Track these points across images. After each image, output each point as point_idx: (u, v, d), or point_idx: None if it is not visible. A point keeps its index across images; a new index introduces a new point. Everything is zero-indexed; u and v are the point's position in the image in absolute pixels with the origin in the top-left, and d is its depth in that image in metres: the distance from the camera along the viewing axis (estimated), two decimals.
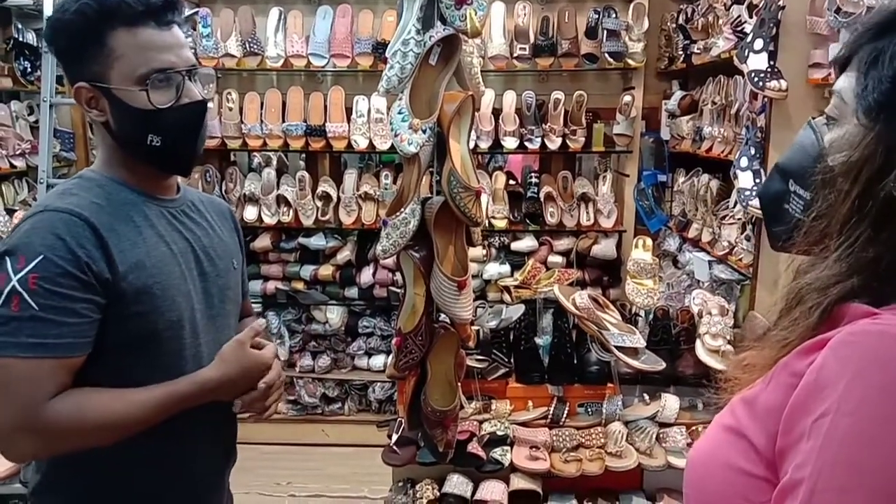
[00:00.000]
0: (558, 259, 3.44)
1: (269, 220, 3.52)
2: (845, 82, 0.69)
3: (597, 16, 3.31)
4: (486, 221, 3.38)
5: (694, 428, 2.27)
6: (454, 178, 1.60)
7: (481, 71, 3.25)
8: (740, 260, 2.55)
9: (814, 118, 0.77)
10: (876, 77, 0.64)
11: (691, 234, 3.03)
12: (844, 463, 0.55)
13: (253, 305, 3.58)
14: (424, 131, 1.58)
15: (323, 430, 3.73)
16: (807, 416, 0.59)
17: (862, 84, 0.66)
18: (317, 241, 3.56)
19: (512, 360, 2.49)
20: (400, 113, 1.58)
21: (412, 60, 1.58)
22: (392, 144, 2.73)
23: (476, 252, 3.42)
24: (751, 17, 2.46)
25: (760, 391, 0.68)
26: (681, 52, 3.23)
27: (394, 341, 1.83)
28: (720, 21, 2.78)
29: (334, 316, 3.63)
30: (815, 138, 0.73)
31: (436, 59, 1.64)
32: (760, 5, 2.34)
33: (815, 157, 0.70)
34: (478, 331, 2.37)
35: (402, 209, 1.68)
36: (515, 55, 3.30)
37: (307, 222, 3.50)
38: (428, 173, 1.83)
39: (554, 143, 3.35)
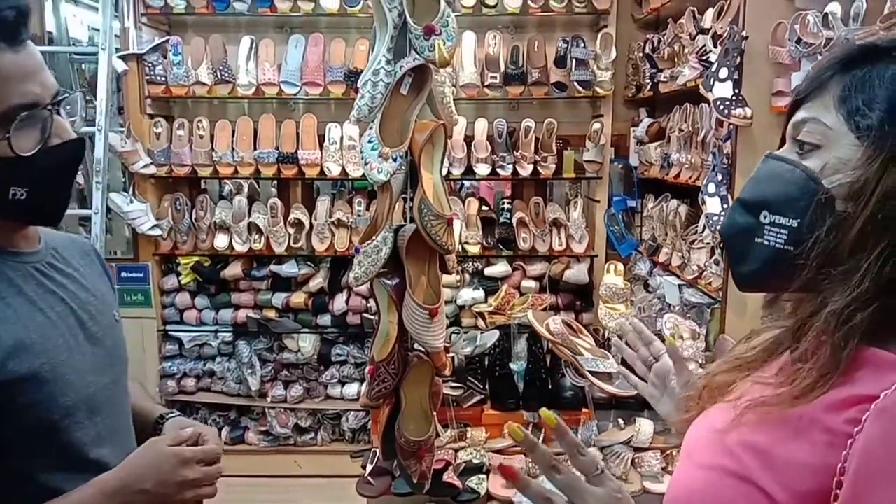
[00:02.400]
0: (531, 284, 3.45)
1: (240, 247, 3.48)
2: (817, 111, 0.72)
3: (566, 45, 3.37)
4: (460, 247, 3.39)
5: (669, 452, 2.28)
6: (425, 206, 1.60)
7: (453, 99, 3.32)
8: (710, 283, 2.59)
9: (770, 153, 0.78)
10: (867, 100, 0.68)
11: (661, 258, 3.07)
12: None
13: (223, 334, 3.56)
14: (395, 159, 1.59)
15: (296, 462, 3.66)
16: (871, 496, 0.58)
17: (850, 108, 0.69)
18: (289, 269, 3.53)
19: (487, 387, 2.48)
20: (370, 142, 1.59)
21: (382, 90, 1.59)
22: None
23: (450, 278, 3.41)
24: (715, 46, 2.52)
25: (774, 441, 0.67)
26: (648, 81, 3.29)
27: (367, 370, 1.81)
28: (686, 50, 2.85)
29: (307, 344, 3.59)
30: (791, 167, 0.73)
31: (407, 88, 1.65)
32: (724, 35, 2.40)
33: (801, 184, 0.71)
34: (453, 358, 2.36)
35: (375, 237, 1.67)
36: (486, 83, 3.33)
37: (279, 250, 3.47)
38: (402, 201, 1.83)
39: (525, 170, 3.39)
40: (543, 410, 0.75)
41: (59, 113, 0.96)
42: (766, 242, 0.73)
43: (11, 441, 0.93)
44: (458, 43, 1.58)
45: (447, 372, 1.93)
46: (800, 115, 0.75)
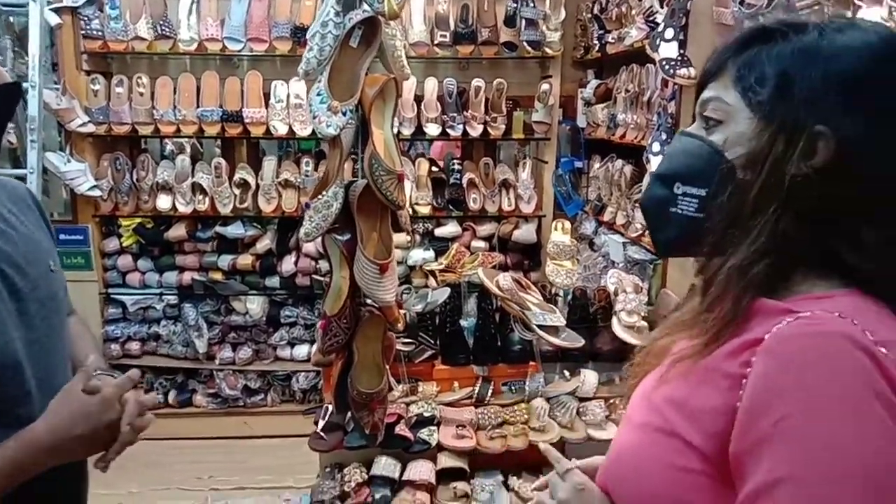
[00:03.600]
0: (481, 244, 3.50)
1: (183, 208, 3.41)
2: (719, 90, 0.79)
3: (515, 5, 3.36)
4: (410, 208, 3.40)
5: (612, 401, 2.37)
6: (376, 161, 1.60)
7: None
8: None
9: (682, 130, 0.85)
10: (759, 77, 0.75)
11: (606, 217, 3.14)
12: (821, 457, 0.60)
13: (168, 297, 3.49)
14: (345, 113, 1.58)
15: (246, 423, 3.66)
16: (761, 419, 0.64)
17: (745, 85, 0.76)
18: (235, 230, 3.48)
19: (438, 343, 2.52)
20: (319, 95, 1.57)
21: (331, 42, 1.57)
22: (313, 130, 2.72)
23: (400, 238, 3.42)
24: (662, 7, 2.56)
25: (688, 392, 0.73)
26: (596, 42, 3.33)
27: (319, 324, 1.82)
28: (633, 11, 2.89)
29: (255, 306, 3.56)
30: (699, 142, 0.79)
31: (357, 41, 1.63)
32: None
33: (708, 157, 0.77)
34: (404, 314, 2.39)
35: (325, 192, 1.67)
36: (436, 42, 3.31)
37: (224, 211, 3.41)
38: (354, 159, 1.82)
39: (475, 130, 3.40)
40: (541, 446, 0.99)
41: None
42: (680, 211, 0.80)
43: None
44: None
45: (400, 327, 1.95)
46: (705, 94, 0.81)
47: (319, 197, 1.69)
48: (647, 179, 2.70)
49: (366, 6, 1.59)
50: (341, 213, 1.72)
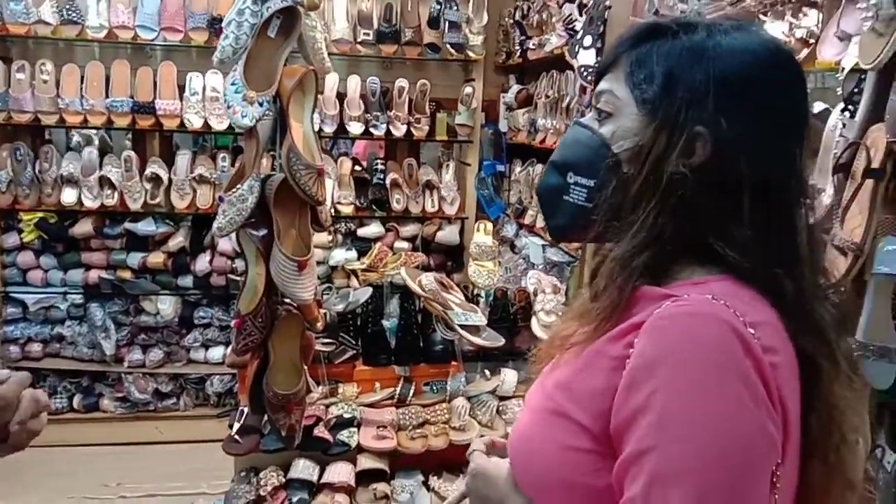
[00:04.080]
0: (404, 245, 3.48)
1: (90, 203, 3.24)
2: (612, 83, 0.81)
3: (439, 6, 3.37)
4: (332, 208, 3.35)
5: None
6: (294, 155, 1.57)
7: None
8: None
9: (576, 120, 0.88)
10: (648, 74, 0.77)
11: (527, 220, 3.19)
12: (682, 430, 0.63)
13: (73, 296, 3.32)
14: (261, 104, 1.53)
15: (157, 428, 3.51)
16: (636, 393, 0.66)
17: (635, 81, 0.78)
18: (145, 227, 3.34)
19: (359, 344, 2.49)
20: (233, 84, 1.52)
21: (248, 31, 1.53)
22: (230, 125, 2.63)
23: (322, 238, 3.37)
24: (581, 15, 2.63)
25: (575, 375, 0.76)
26: (518, 48, 3.38)
27: (233, 323, 1.76)
28: (553, 19, 2.95)
29: (166, 307, 3.43)
30: (590, 134, 0.81)
31: (275, 31, 1.59)
32: (589, 4, 2.51)
33: (596, 149, 0.80)
34: (325, 314, 2.35)
35: (240, 185, 1.61)
36: (359, 40, 3.28)
37: (134, 206, 3.27)
38: (272, 154, 1.78)
39: (399, 131, 3.38)
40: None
41: None
42: (571, 199, 0.82)
43: None
44: None
45: (319, 326, 1.91)
46: (600, 86, 0.83)
47: (234, 190, 1.63)
48: None
49: None
50: (257, 208, 1.67)
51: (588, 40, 2.45)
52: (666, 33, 0.78)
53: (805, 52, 1.54)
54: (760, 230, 0.73)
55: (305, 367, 1.90)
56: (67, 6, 3.07)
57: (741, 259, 0.73)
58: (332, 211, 3.35)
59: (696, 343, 0.66)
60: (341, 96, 3.35)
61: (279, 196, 1.68)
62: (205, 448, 3.19)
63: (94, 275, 3.36)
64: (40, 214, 3.28)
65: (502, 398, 2.40)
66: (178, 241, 3.40)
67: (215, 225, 1.68)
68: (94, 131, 3.44)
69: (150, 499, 3.09)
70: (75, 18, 3.08)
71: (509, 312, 2.62)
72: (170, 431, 3.51)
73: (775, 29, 1.62)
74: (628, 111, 0.78)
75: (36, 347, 3.38)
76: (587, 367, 0.75)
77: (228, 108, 1.55)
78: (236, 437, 2.24)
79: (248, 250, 1.75)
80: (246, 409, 2.11)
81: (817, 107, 1.59)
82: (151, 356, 3.47)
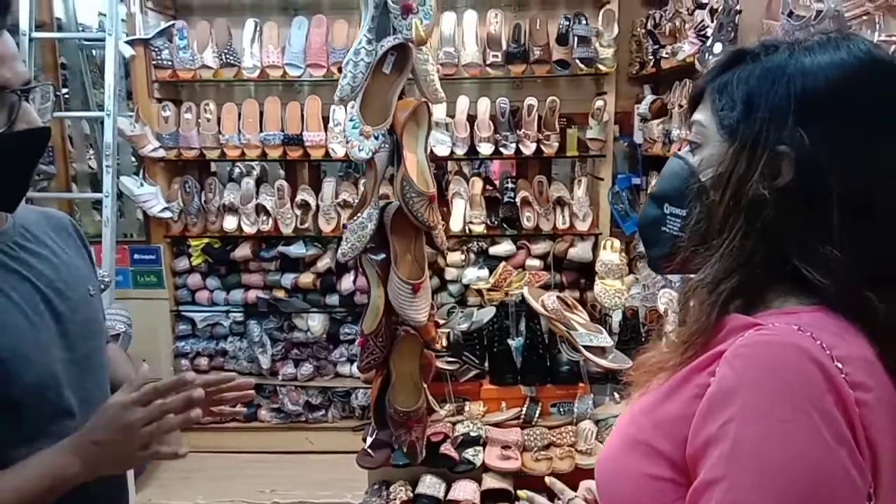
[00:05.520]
0: (536, 262, 3.47)
1: (248, 229, 3.54)
2: (701, 114, 0.82)
3: (567, 23, 3.35)
4: (465, 227, 3.42)
5: None
6: (407, 183, 1.64)
7: (455, 79, 3.33)
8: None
9: (674, 152, 0.87)
10: (729, 100, 0.77)
11: None
12: (753, 462, 0.62)
13: (235, 314, 3.62)
14: (377, 137, 1.62)
15: (307, 439, 3.74)
16: (712, 422, 0.66)
17: (718, 108, 0.78)
18: (296, 250, 3.59)
19: (486, 363, 2.52)
20: (351, 120, 1.63)
21: (363, 69, 1.62)
22: None
23: (455, 257, 3.45)
24: (712, 21, 2.51)
25: (659, 402, 0.76)
26: (651, 57, 3.27)
27: (357, 341, 1.86)
28: (686, 26, 2.83)
29: (315, 323, 3.65)
30: (683, 164, 0.82)
31: (390, 67, 1.68)
32: (720, 10, 2.39)
33: (687, 179, 0.81)
34: (448, 333, 2.41)
35: (360, 213, 1.71)
36: (488, 62, 3.34)
37: (286, 231, 3.53)
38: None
39: (528, 149, 3.39)
40: (521, 492, 1.02)
41: (27, 101, 0.96)
42: (667, 230, 0.83)
43: None
44: (435, 22, 1.59)
45: (438, 346, 1.97)
46: (693, 116, 0.83)
47: (355, 218, 1.73)
48: None
49: (396, 33, 1.63)
50: (377, 234, 1.76)
51: (718, 47, 2.33)
52: (746, 59, 0.78)
53: None
54: (851, 250, 0.70)
55: (425, 386, 1.96)
56: (225, 50, 3.40)
57: (828, 282, 0.70)
58: (466, 229, 3.42)
59: (773, 373, 0.64)
60: (471, 119, 3.42)
61: (395, 222, 1.76)
62: (350, 459, 3.35)
63: (252, 294, 3.64)
64: (206, 240, 3.62)
65: None
66: (326, 262, 3.60)
67: (340, 251, 1.79)
68: (255, 163, 3.75)
69: None
70: (232, 61, 3.40)
71: (640, 333, 2.54)
72: (319, 441, 3.72)
73: None
74: (714, 139, 0.79)
75: (203, 361, 3.73)
76: (671, 394, 0.75)
77: (347, 142, 1.65)
78: (369, 450, 2.35)
79: (370, 274, 1.85)
80: (373, 422, 2.21)
81: None
82: (303, 370, 3.70)
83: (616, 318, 2.73)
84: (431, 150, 3.25)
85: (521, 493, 1.00)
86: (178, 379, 1.03)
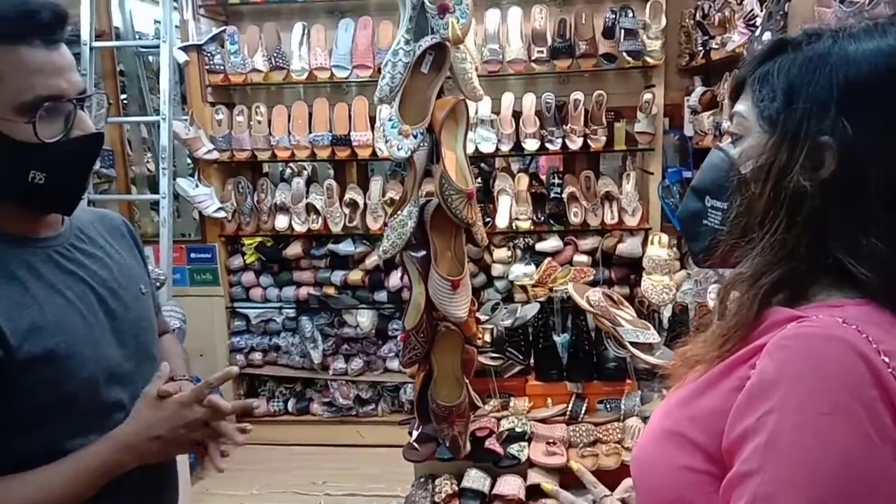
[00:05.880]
0: (584, 258, 3.44)
1: (299, 228, 3.63)
2: (742, 105, 0.80)
3: (613, 16, 3.31)
4: (511, 224, 3.42)
5: None
6: (446, 181, 1.65)
7: (500, 75, 3.33)
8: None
9: (716, 144, 0.86)
10: (769, 91, 0.75)
11: None
12: (790, 455, 0.61)
13: (287, 310, 3.70)
14: (415, 136, 1.64)
15: (358, 432, 3.81)
16: (751, 414, 0.65)
17: (759, 99, 0.76)
18: (346, 247, 3.65)
19: (532, 358, 2.52)
20: (390, 120, 1.65)
21: (402, 69, 1.65)
22: None
23: (501, 254, 3.46)
24: (762, 10, 2.44)
25: (696, 395, 0.75)
26: (700, 48, 3.20)
27: (399, 337, 1.89)
28: (735, 16, 2.76)
29: (365, 319, 3.71)
30: (724, 156, 0.80)
31: (428, 67, 1.70)
32: None
33: (727, 171, 0.79)
34: (492, 329, 2.41)
35: (401, 211, 1.74)
36: (533, 58, 3.33)
37: (336, 229, 3.59)
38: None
39: (575, 144, 3.36)
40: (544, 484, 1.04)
41: (82, 109, 1.02)
42: (709, 223, 0.82)
43: (40, 413, 1.01)
44: (470, 21, 1.60)
45: (479, 342, 1.98)
46: (734, 108, 0.82)
47: (396, 216, 1.76)
48: None
49: (433, 33, 1.65)
50: (417, 231, 1.79)
51: (767, 36, 2.26)
52: (787, 49, 0.76)
53: None
54: (894, 243, 0.68)
55: (467, 381, 1.98)
56: (275, 54, 3.48)
57: (872, 275, 0.68)
58: (512, 226, 3.42)
59: (815, 365, 0.62)
60: (517, 114, 3.42)
61: (435, 220, 1.78)
62: (398, 452, 3.40)
63: (303, 291, 3.73)
64: (259, 239, 3.73)
65: None
66: (374, 259, 3.65)
67: (381, 248, 1.82)
68: (306, 163, 3.83)
69: (351, 498, 3.35)
70: (281, 64, 3.48)
71: (689, 329, 2.49)
72: (369, 435, 3.78)
73: None
74: (755, 130, 0.77)
75: (257, 356, 3.84)
76: (709, 387, 0.74)
77: (386, 142, 1.68)
78: (415, 444, 2.38)
79: (411, 270, 1.88)
80: (416, 416, 2.23)
81: None
82: (353, 365, 3.77)
83: (666, 313, 2.69)
84: (476, 147, 3.29)
85: (544, 485, 0.99)
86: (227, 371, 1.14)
